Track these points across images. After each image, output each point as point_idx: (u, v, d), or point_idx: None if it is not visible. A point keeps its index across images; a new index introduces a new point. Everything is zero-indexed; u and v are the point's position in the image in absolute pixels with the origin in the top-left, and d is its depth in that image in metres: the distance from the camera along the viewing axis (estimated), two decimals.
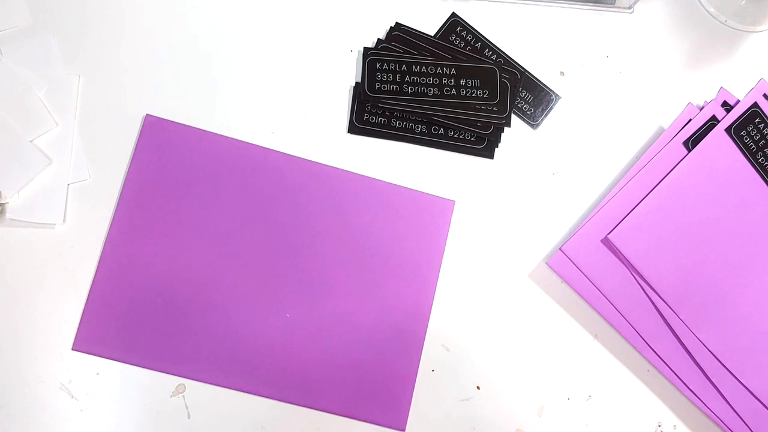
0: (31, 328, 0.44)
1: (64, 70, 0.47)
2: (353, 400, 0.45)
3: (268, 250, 0.46)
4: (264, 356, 0.44)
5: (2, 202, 0.44)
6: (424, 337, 0.46)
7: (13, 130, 0.45)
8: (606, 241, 0.47)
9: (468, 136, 0.49)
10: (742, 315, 0.47)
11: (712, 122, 0.49)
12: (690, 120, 0.49)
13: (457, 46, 0.50)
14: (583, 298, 0.47)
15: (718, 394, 0.46)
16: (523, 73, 0.50)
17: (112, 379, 0.44)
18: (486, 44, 0.50)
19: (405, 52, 0.49)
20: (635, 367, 0.47)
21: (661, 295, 0.46)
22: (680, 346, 0.46)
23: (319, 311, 0.45)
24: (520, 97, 0.50)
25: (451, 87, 0.48)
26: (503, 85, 0.49)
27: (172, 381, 0.44)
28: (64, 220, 0.45)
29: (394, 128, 0.48)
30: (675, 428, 0.47)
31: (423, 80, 0.48)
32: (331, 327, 0.45)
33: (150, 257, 0.45)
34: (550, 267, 0.47)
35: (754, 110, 0.49)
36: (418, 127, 0.49)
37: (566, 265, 0.46)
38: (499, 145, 0.49)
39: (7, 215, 0.44)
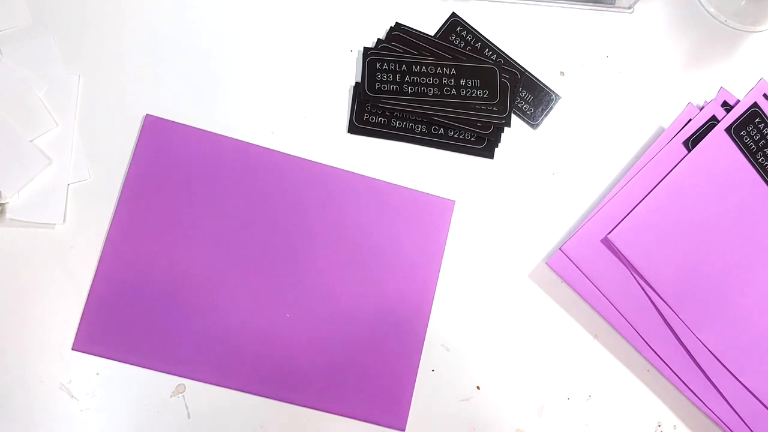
0: (31, 328, 0.44)
1: (64, 70, 0.47)
2: (353, 400, 0.45)
3: (268, 250, 0.46)
4: (264, 356, 0.44)
5: (2, 202, 0.44)
6: (424, 337, 0.46)
7: (13, 130, 0.45)
8: (606, 241, 0.47)
9: (468, 136, 0.49)
10: (742, 315, 0.47)
11: (712, 122, 0.49)
12: (690, 120, 0.49)
13: (457, 46, 0.50)
14: (583, 298, 0.47)
15: (718, 394, 0.46)
16: (523, 73, 0.50)
17: (112, 379, 0.43)
18: (486, 44, 0.50)
19: (405, 52, 0.49)
20: (635, 367, 0.47)
21: (661, 295, 0.46)
22: (680, 346, 0.46)
23: (319, 311, 0.45)
24: (520, 97, 0.50)
25: (451, 87, 0.48)
26: (503, 85, 0.49)
27: (172, 381, 0.44)
28: (64, 220, 0.45)
29: (394, 128, 0.48)
30: (675, 428, 0.47)
31: (423, 80, 0.48)
32: (330, 327, 0.45)
33: (150, 257, 0.45)
34: (550, 267, 0.47)
35: (754, 110, 0.49)
36: (418, 127, 0.49)
37: (566, 265, 0.46)
38: (499, 145, 0.49)
39: (7, 215, 0.44)
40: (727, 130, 0.48)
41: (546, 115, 0.50)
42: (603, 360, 0.47)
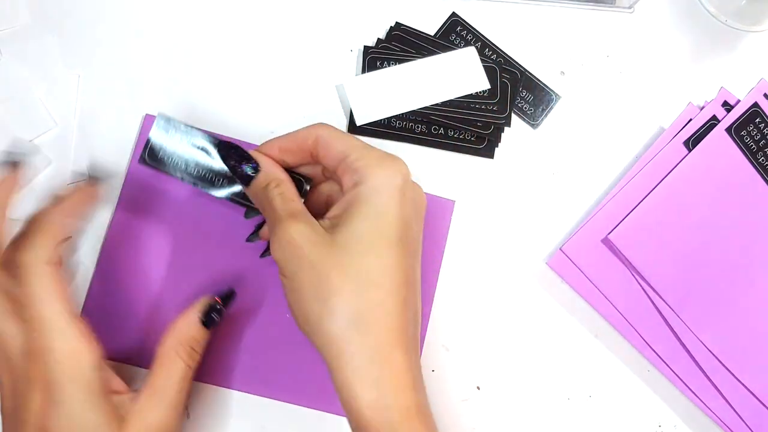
0: None
1: (64, 70, 0.47)
2: None
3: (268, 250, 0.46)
4: (264, 356, 0.44)
5: None
6: (424, 337, 0.46)
7: (13, 130, 0.45)
8: (606, 241, 0.46)
9: (468, 136, 0.49)
10: (742, 315, 0.47)
11: (712, 122, 0.49)
12: (690, 120, 0.49)
13: (457, 46, 0.50)
14: (583, 298, 0.47)
15: (718, 394, 0.46)
16: (523, 72, 0.50)
17: None
18: (486, 44, 0.50)
19: (405, 51, 0.49)
20: (635, 367, 0.47)
21: (661, 295, 0.46)
22: (680, 346, 0.46)
23: None
24: (520, 96, 0.50)
25: None
26: (503, 85, 0.49)
27: None
28: None
29: (394, 128, 0.48)
30: (675, 428, 0.47)
31: None
32: None
33: (149, 258, 0.45)
34: (550, 267, 0.47)
35: (754, 110, 0.49)
36: (418, 127, 0.49)
37: (566, 265, 0.46)
38: (499, 144, 0.49)
39: (7, 215, 0.44)
40: (728, 130, 0.48)
41: (546, 115, 0.50)
42: (603, 360, 0.47)
